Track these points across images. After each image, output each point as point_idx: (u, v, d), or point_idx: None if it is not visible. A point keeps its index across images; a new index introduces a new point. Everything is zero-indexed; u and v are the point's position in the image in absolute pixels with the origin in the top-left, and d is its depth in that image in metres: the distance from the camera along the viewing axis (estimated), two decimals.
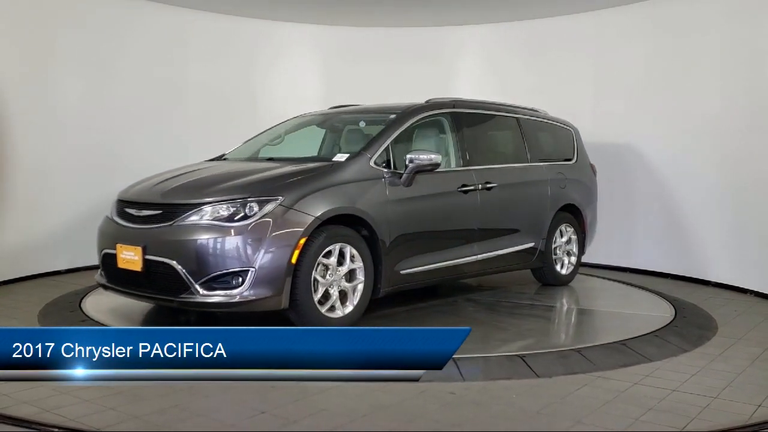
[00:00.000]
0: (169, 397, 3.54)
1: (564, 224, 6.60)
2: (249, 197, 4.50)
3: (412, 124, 5.45)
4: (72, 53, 7.11)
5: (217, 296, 4.37)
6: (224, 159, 5.85)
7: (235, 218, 4.42)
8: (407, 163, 5.05)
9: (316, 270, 4.53)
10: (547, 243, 6.37)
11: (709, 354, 4.57)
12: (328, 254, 4.62)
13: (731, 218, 6.76)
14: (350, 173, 4.89)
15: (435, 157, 5.08)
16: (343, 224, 4.75)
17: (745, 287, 6.62)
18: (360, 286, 4.81)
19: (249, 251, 4.33)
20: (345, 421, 3.31)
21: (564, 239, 6.63)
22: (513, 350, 4.49)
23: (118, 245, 4.72)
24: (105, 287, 5.04)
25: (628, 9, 7.59)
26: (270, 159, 5.47)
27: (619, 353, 4.43)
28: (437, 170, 5.28)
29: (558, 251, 6.58)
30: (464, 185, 5.52)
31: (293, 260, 4.39)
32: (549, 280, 6.60)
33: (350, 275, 4.79)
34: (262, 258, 4.34)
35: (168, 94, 7.98)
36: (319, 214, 4.54)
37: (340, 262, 4.71)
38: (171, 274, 4.45)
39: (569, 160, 6.89)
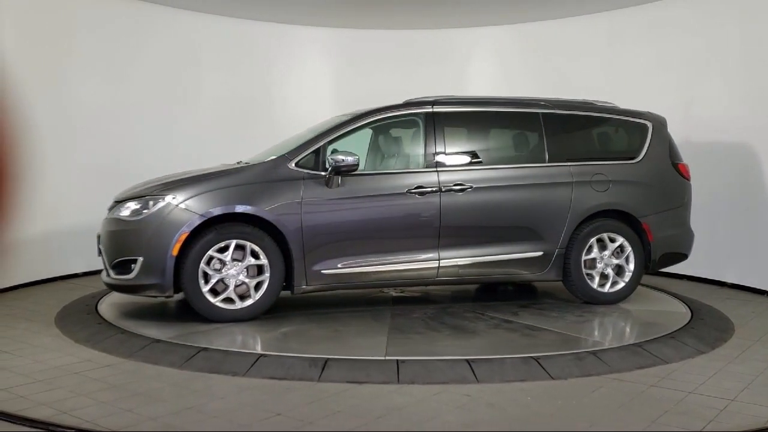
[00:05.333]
0: (185, 399, 3.57)
1: (606, 233, 5.76)
2: (150, 195, 5.03)
3: (360, 127, 5.45)
4: (89, 60, 7.19)
5: (120, 280, 5.01)
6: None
7: (138, 213, 4.96)
8: (328, 164, 5.17)
9: (208, 263, 4.94)
10: (568, 253, 5.66)
11: (726, 356, 4.54)
12: (226, 249, 4.96)
13: (747, 219, 6.70)
14: (260, 175, 5.14)
15: (352, 159, 5.11)
16: (250, 222, 5.03)
17: (762, 288, 6.57)
18: (266, 282, 5.04)
19: (138, 242, 4.92)
20: (360, 422, 3.32)
21: (606, 251, 5.76)
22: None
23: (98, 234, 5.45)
24: None
25: (640, 9, 7.57)
26: (238, 162, 5.67)
27: (635, 355, 4.41)
28: (387, 172, 5.50)
29: (597, 264, 5.75)
30: (420, 187, 5.35)
31: (174, 252, 4.85)
32: (581, 296, 5.79)
33: (259, 271, 5.06)
34: (147, 249, 4.89)
35: (185, 99, 8.05)
36: (203, 212, 4.91)
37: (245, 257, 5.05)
38: (103, 259, 5.24)
39: (632, 158, 6.01)
